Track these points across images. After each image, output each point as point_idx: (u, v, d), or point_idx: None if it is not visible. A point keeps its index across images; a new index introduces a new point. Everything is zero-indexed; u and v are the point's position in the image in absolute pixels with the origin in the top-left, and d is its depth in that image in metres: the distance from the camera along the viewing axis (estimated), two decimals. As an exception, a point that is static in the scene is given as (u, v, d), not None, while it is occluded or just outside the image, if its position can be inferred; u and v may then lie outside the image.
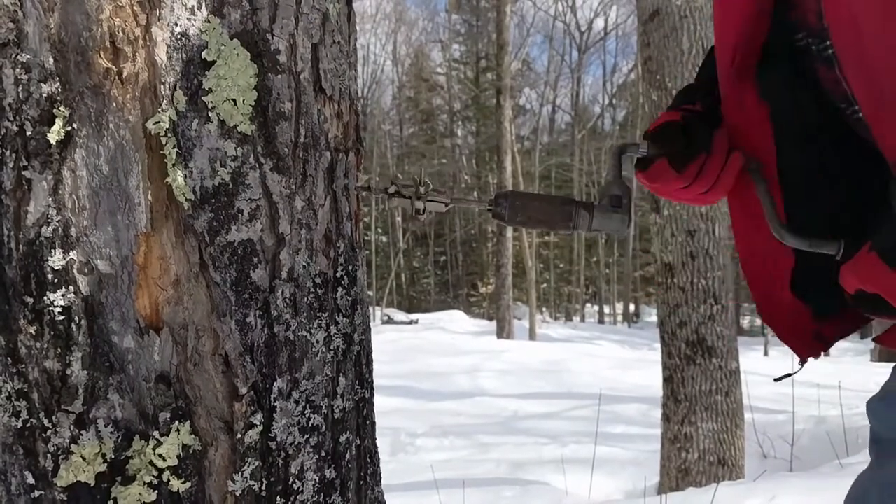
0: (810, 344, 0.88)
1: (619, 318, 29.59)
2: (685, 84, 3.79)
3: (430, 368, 8.74)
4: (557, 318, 29.25)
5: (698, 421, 3.87)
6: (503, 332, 14.07)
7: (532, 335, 16.21)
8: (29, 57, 0.57)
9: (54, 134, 0.57)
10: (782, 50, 0.80)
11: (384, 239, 29.99)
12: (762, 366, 9.10)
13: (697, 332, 3.84)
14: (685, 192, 0.88)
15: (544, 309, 28.91)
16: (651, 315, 28.83)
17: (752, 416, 4.67)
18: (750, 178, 0.86)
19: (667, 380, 4.00)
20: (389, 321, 18.88)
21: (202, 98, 0.62)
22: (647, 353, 11.48)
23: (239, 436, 0.65)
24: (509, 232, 14.26)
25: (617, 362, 9.68)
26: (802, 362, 0.89)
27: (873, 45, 0.67)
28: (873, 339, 0.86)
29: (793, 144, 0.83)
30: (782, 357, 11.94)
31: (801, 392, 5.72)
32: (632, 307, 29.79)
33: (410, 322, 18.92)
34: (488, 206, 0.83)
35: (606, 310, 29.69)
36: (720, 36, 0.83)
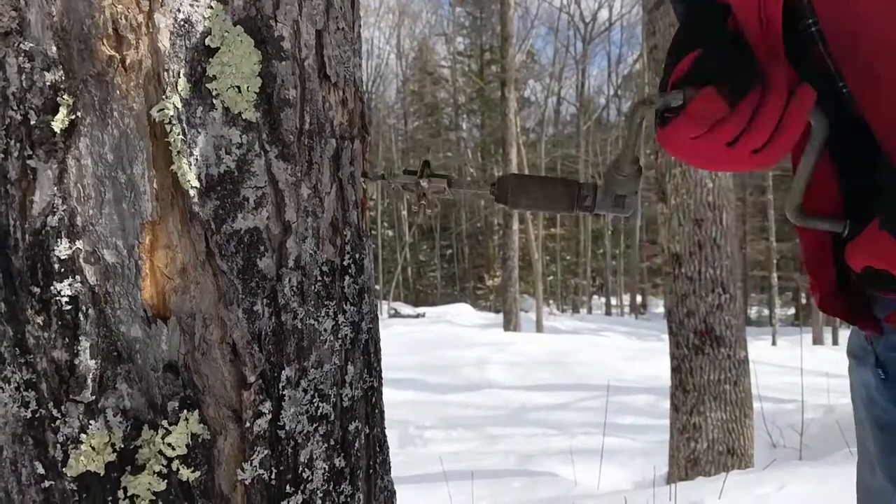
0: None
1: (626, 309, 29.54)
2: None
3: (438, 361, 8.75)
4: (564, 310, 29.23)
5: (707, 411, 3.87)
6: (510, 324, 14.07)
7: (539, 327, 16.21)
8: (32, 45, 0.57)
9: (58, 122, 0.57)
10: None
11: (390, 233, 30.01)
12: (770, 355, 9.08)
13: (705, 322, 3.83)
14: (732, 151, 0.69)
15: (551, 301, 28.90)
16: (658, 306, 28.77)
17: (761, 406, 4.66)
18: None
19: (675, 370, 3.99)
20: (396, 315, 18.91)
21: (206, 85, 0.61)
22: (655, 343, 11.47)
23: (248, 424, 0.64)
24: (515, 224, 14.25)
25: (624, 353, 9.68)
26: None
27: (864, 18, 0.67)
28: (883, 320, 0.85)
29: None
30: (790, 347, 11.91)
31: (810, 381, 5.70)
32: (639, 298, 29.73)
33: (417, 315, 18.93)
34: (491, 189, 0.82)
35: (613, 301, 29.64)
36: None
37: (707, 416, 3.86)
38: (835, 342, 16.40)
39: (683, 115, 0.67)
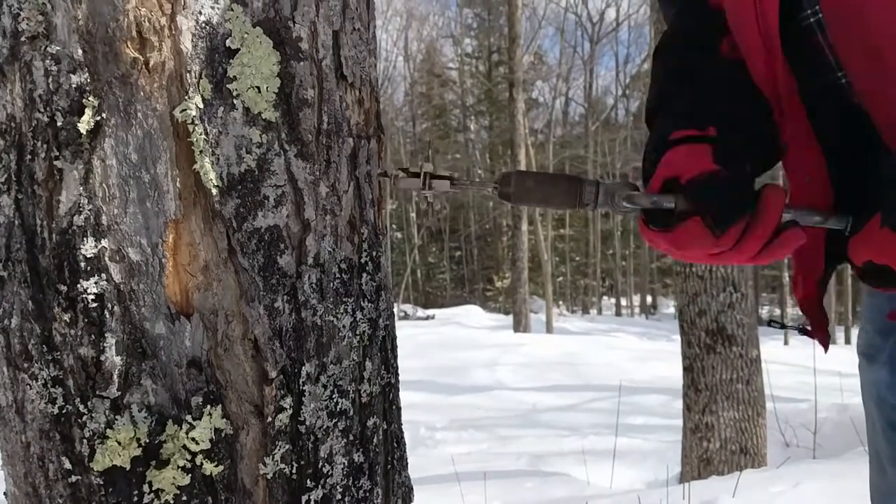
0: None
1: (637, 310, 29.45)
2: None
3: (448, 363, 8.75)
4: (574, 311, 29.15)
5: (719, 410, 3.85)
6: (520, 325, 14.06)
7: (549, 328, 16.19)
8: (58, 48, 0.58)
9: (84, 124, 0.58)
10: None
11: (399, 235, 30.05)
12: (782, 355, 9.03)
13: (717, 321, 3.82)
14: (714, 258, 0.71)
15: (561, 302, 28.85)
16: (668, 307, 28.67)
17: (774, 405, 4.64)
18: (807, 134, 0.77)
19: (687, 369, 3.98)
20: (406, 317, 18.89)
21: (227, 86, 0.62)
22: (666, 344, 11.43)
23: (269, 419, 0.65)
24: (524, 225, 14.23)
25: (635, 354, 9.65)
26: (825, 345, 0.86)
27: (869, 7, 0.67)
28: (887, 316, 0.85)
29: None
30: (802, 346, 11.83)
31: (822, 380, 5.67)
32: (649, 299, 29.63)
33: (427, 317, 18.93)
34: (494, 186, 0.82)
35: (623, 302, 29.56)
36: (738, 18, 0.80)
37: (720, 416, 3.85)
38: (847, 341, 16.31)
39: (667, 233, 0.71)
